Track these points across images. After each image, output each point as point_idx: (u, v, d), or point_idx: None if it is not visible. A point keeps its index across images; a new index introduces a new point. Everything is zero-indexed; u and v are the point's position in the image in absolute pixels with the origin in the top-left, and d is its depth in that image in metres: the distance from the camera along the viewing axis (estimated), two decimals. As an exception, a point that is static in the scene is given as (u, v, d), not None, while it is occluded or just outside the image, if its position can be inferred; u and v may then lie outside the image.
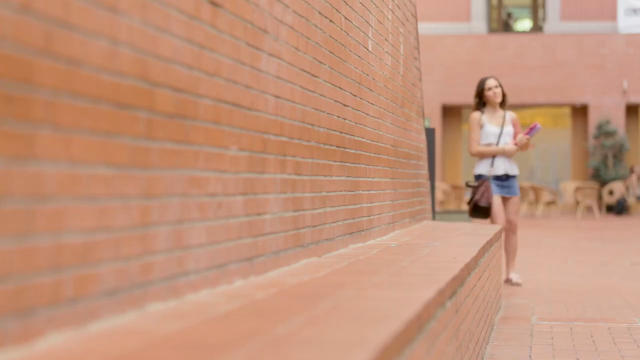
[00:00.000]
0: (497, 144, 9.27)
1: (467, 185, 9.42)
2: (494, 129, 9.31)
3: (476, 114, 9.39)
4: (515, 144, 9.28)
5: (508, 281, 9.27)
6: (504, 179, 9.32)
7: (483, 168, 9.32)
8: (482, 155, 9.33)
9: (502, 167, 9.28)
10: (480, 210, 9.22)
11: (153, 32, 2.71)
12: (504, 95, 9.41)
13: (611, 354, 5.69)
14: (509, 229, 9.39)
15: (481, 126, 9.31)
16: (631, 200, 28.81)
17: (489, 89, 9.35)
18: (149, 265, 2.66)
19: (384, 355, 2.17)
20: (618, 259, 12.71)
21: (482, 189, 9.17)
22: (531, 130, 9.25)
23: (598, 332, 6.52)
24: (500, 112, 9.41)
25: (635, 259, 12.88)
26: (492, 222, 9.19)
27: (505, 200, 9.37)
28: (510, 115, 9.45)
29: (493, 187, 9.23)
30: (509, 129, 9.36)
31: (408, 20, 8.25)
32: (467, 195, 31.91)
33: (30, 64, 2.07)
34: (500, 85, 9.43)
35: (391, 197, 6.82)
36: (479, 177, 9.33)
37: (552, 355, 5.66)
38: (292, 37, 4.16)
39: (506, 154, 9.28)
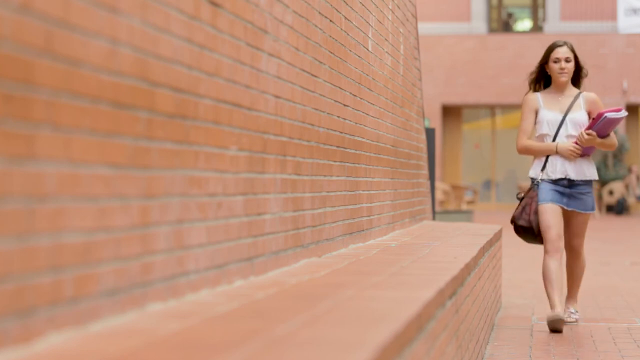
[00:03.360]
0: (556, 136, 6.60)
1: (517, 197, 6.87)
2: (553, 116, 6.62)
3: (530, 97, 6.75)
4: (576, 143, 6.53)
5: (559, 315, 6.41)
6: (566, 185, 6.62)
7: (534, 170, 6.75)
8: (530, 153, 6.77)
9: (560, 168, 6.60)
10: (522, 231, 6.76)
11: (153, 32, 2.71)
12: (579, 70, 6.77)
13: (611, 354, 5.69)
14: (570, 254, 6.84)
15: (536, 111, 6.69)
16: (631, 200, 28.81)
17: (557, 60, 6.65)
18: (149, 265, 2.66)
19: (384, 355, 2.17)
20: (618, 259, 12.71)
21: (525, 200, 6.71)
22: (596, 121, 6.45)
23: (598, 332, 6.52)
24: (571, 92, 6.72)
25: (635, 259, 12.88)
26: (543, 240, 6.64)
27: (569, 215, 6.68)
28: (586, 97, 6.69)
29: (547, 192, 6.59)
30: (578, 115, 6.61)
31: (408, 20, 8.25)
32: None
33: (30, 64, 2.07)
34: (576, 57, 6.72)
35: (391, 197, 6.82)
36: (532, 182, 6.78)
37: (552, 355, 5.66)
38: (292, 37, 4.16)
39: (561, 154, 6.60)
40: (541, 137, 6.69)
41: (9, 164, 1.99)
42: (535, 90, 6.79)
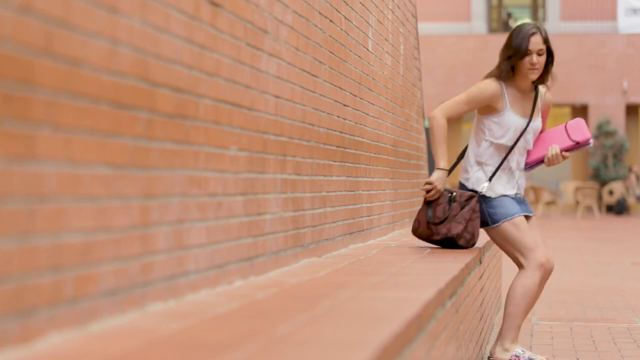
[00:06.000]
0: (512, 149, 5.15)
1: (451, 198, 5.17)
2: (520, 122, 5.13)
3: (495, 85, 5.11)
4: (541, 162, 5.24)
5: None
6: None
7: (478, 181, 5.19)
8: (432, 138, 5.26)
9: (512, 184, 5.22)
10: (436, 242, 5.23)
11: (153, 32, 2.71)
12: (547, 64, 5.13)
13: (611, 354, 5.69)
14: (547, 273, 5.19)
15: (497, 111, 5.11)
16: (631, 200, 28.81)
17: (528, 52, 5.04)
18: (149, 265, 2.66)
19: (384, 355, 2.17)
20: (618, 259, 12.71)
21: (466, 213, 5.13)
22: (581, 146, 5.26)
23: (598, 332, 6.52)
24: (531, 90, 5.22)
25: (635, 259, 12.88)
26: (529, 257, 5.09)
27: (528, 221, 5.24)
28: (544, 97, 5.28)
29: (509, 201, 5.14)
30: (537, 123, 5.23)
31: (408, 20, 8.25)
32: None
33: (30, 64, 2.07)
34: (549, 47, 5.10)
35: (391, 197, 6.82)
36: (475, 193, 5.15)
37: (552, 355, 5.66)
38: (292, 37, 4.16)
39: (436, 182, 5.19)
40: (499, 148, 5.13)
41: (9, 164, 1.98)
42: (498, 76, 5.11)
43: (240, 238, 3.44)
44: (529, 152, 5.25)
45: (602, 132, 30.08)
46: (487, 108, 5.14)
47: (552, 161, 5.19)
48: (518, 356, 5.04)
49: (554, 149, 5.17)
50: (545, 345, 5.95)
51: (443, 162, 5.17)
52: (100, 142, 2.38)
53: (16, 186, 2.01)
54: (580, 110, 31.24)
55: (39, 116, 2.10)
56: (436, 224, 5.14)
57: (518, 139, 5.13)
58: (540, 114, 5.24)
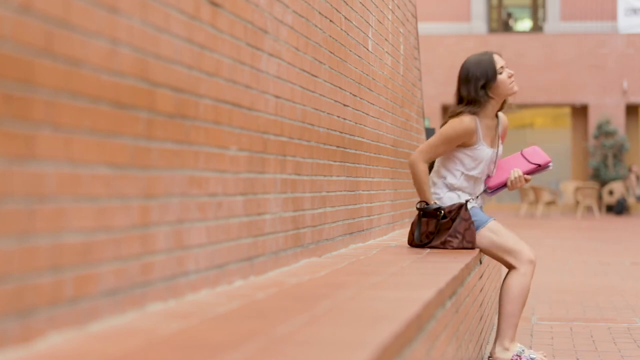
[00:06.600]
0: (483, 180, 5.27)
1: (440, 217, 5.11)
2: (490, 152, 5.19)
3: (471, 122, 5.07)
4: (504, 185, 5.32)
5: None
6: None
7: (462, 195, 5.19)
8: (415, 181, 5.18)
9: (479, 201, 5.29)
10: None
11: (153, 32, 2.71)
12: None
13: (611, 354, 5.69)
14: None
15: (471, 144, 5.13)
16: (631, 200, 28.81)
17: (502, 69, 5.11)
18: (149, 265, 2.66)
19: (384, 355, 2.17)
20: (618, 259, 12.71)
21: (464, 224, 5.10)
22: (542, 169, 5.36)
23: (598, 332, 6.52)
24: (494, 119, 5.22)
25: (635, 259, 12.88)
26: (520, 254, 5.10)
27: None
28: (503, 121, 5.31)
29: (481, 212, 5.20)
30: (501, 150, 5.31)
31: (408, 20, 8.25)
32: None
33: (30, 64, 2.07)
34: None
35: (391, 197, 6.82)
36: (465, 203, 5.12)
37: (552, 355, 5.66)
38: (292, 37, 4.16)
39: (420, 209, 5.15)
40: (472, 179, 5.17)
41: (9, 164, 1.98)
42: (471, 112, 5.06)
43: (240, 238, 3.44)
44: (490, 178, 5.30)
45: (602, 132, 30.08)
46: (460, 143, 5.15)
47: (514, 184, 5.25)
48: (519, 355, 5.03)
49: (516, 172, 5.24)
50: (545, 345, 5.96)
51: (428, 196, 5.16)
52: (100, 142, 2.38)
53: (16, 186, 2.01)
54: (580, 110, 31.24)
55: (39, 116, 2.10)
56: (429, 242, 5.12)
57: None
58: (501, 139, 5.29)
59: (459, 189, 5.17)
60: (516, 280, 5.09)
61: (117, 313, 2.46)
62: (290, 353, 2.07)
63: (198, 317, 2.58)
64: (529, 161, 5.34)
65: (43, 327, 2.11)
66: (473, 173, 5.15)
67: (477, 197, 5.25)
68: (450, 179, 5.18)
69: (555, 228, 21.24)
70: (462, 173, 5.15)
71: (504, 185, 5.29)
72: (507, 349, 5.07)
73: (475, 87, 5.06)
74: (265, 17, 3.77)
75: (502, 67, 5.07)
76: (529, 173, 5.29)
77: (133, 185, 2.57)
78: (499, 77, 5.05)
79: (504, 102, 5.18)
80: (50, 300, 2.14)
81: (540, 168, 5.32)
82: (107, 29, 2.43)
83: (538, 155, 5.36)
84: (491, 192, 5.31)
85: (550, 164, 5.32)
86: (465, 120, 5.04)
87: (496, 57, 5.11)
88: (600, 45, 30.34)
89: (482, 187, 5.25)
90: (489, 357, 5.14)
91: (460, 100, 5.13)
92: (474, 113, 5.07)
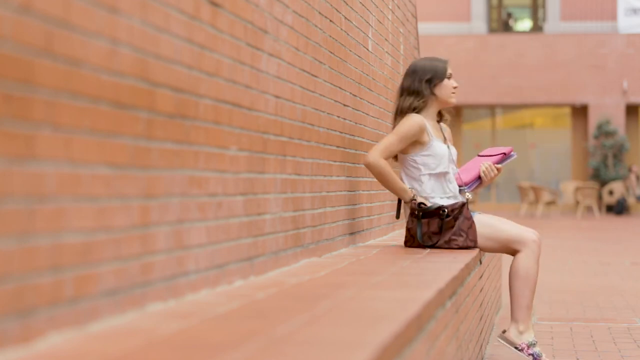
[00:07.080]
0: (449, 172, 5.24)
1: (443, 217, 5.09)
2: (445, 150, 5.25)
3: (419, 119, 5.11)
4: (478, 178, 5.43)
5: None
6: None
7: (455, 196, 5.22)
8: (379, 176, 5.11)
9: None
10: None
11: (153, 32, 2.71)
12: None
13: (611, 354, 5.69)
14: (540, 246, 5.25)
15: (425, 143, 5.15)
16: (631, 200, 28.81)
17: (450, 76, 5.27)
18: (149, 265, 2.66)
19: (384, 355, 2.17)
20: (618, 259, 12.71)
21: (468, 222, 5.11)
22: (507, 157, 5.51)
23: (598, 332, 6.52)
24: (437, 122, 5.32)
25: (635, 259, 12.88)
26: (524, 236, 5.16)
27: None
28: (446, 129, 5.42)
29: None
30: (454, 149, 5.38)
31: (408, 20, 8.25)
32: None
33: (30, 64, 2.07)
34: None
35: (391, 197, 6.81)
36: (466, 202, 5.18)
37: (552, 355, 5.66)
38: (292, 37, 4.16)
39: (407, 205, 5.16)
40: (440, 177, 5.17)
41: (9, 164, 1.99)
42: (415, 110, 5.17)
43: (240, 238, 3.44)
44: (462, 175, 5.38)
45: (602, 132, 30.08)
46: (413, 145, 5.15)
47: (487, 174, 5.34)
48: (528, 345, 5.03)
49: (486, 163, 5.37)
50: (545, 345, 5.95)
51: (407, 192, 5.13)
52: (100, 142, 2.38)
53: (16, 186, 2.01)
54: (580, 110, 31.24)
55: (39, 116, 2.10)
56: (434, 244, 5.08)
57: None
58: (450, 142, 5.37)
59: (430, 195, 5.15)
60: (521, 262, 5.10)
61: (117, 313, 2.46)
62: (290, 353, 2.07)
63: (198, 317, 2.58)
64: (491, 156, 5.50)
65: (43, 327, 2.11)
66: (439, 170, 5.17)
67: (461, 193, 5.30)
68: (419, 187, 5.17)
69: (555, 228, 21.24)
70: (429, 175, 5.17)
71: (478, 177, 5.38)
72: (521, 333, 5.07)
73: (421, 79, 5.17)
74: (265, 17, 3.77)
75: (451, 74, 5.20)
76: (497, 162, 5.41)
77: (133, 185, 2.57)
78: (446, 80, 5.19)
79: (441, 114, 5.30)
80: (50, 300, 2.14)
81: (506, 156, 5.47)
82: (107, 29, 2.43)
83: (497, 150, 5.52)
84: (468, 187, 5.36)
85: (514, 152, 5.48)
86: (415, 117, 5.12)
87: (447, 66, 5.23)
88: (600, 45, 30.34)
89: (455, 185, 5.26)
90: (503, 331, 5.14)
91: (401, 93, 5.22)
92: (418, 112, 5.16)
